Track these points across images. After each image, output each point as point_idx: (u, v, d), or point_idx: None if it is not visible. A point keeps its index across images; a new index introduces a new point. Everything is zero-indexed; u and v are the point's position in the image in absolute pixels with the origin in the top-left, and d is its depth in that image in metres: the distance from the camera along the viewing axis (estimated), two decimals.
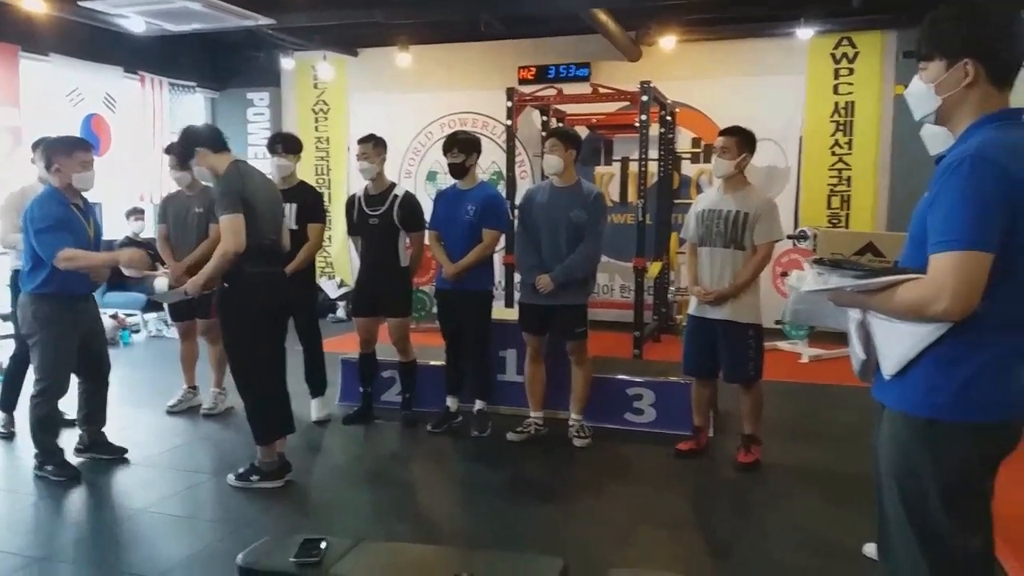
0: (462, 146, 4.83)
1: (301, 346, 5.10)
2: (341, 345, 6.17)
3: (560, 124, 8.32)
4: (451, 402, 5.05)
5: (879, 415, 2.02)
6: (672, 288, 8.42)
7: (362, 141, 4.93)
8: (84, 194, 4.18)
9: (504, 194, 6.78)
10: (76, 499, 3.97)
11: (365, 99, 9.86)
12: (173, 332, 6.54)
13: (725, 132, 4.25)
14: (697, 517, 3.78)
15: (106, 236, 8.46)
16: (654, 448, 4.65)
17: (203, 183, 5.23)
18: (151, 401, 5.55)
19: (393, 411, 5.27)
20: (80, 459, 4.35)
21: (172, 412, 5.35)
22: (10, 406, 4.81)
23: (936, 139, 2.34)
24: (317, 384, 5.18)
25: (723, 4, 7.77)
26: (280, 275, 4.13)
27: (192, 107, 9.72)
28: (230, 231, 3.74)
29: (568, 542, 3.43)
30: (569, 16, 7.98)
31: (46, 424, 4.14)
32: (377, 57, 9.72)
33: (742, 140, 4.21)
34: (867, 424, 2.24)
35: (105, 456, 4.39)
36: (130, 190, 8.67)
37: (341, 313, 9.19)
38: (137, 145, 8.76)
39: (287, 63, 9.53)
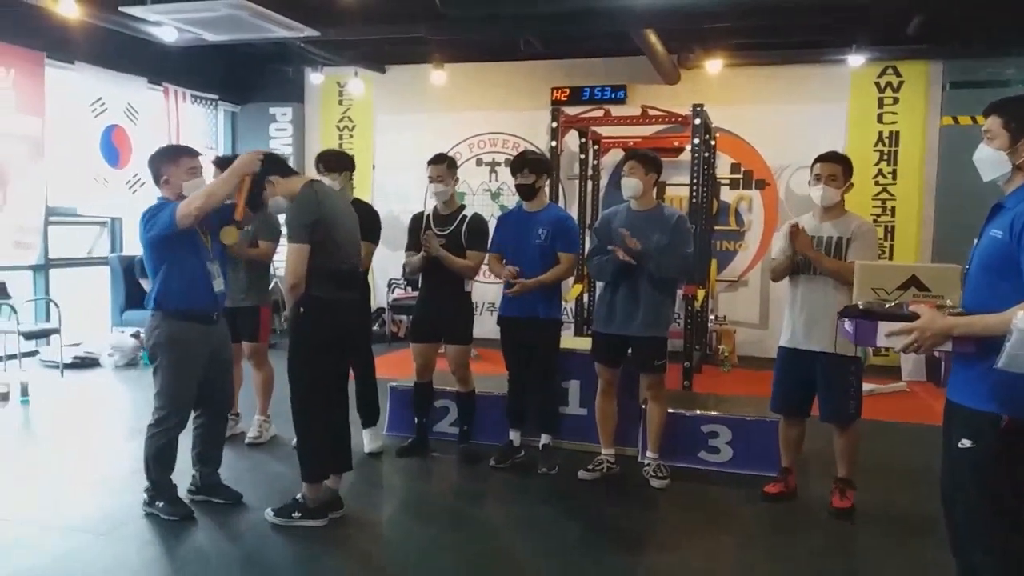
0: (533, 167, 4.58)
1: (354, 373, 4.80)
2: (383, 370, 5.87)
3: (596, 146, 8.13)
4: (514, 436, 4.75)
5: None
6: (712, 317, 8.19)
7: (434, 162, 4.65)
8: None
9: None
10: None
11: (391, 117, 9.65)
12: None
13: (828, 159, 4.00)
14: (810, 573, 3.47)
15: (126, 251, 8.26)
16: (737, 490, 4.37)
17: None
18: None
19: (449, 443, 4.97)
20: (192, 500, 3.98)
21: None
22: None
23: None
24: (370, 414, 4.88)
25: (773, 29, 7.62)
26: (354, 302, 3.88)
27: (211, 120, 9.43)
28: (292, 261, 3.52)
29: None
30: (609, 37, 7.83)
31: (162, 458, 3.80)
32: (405, 74, 9.53)
33: (846, 167, 3.99)
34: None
35: (219, 500, 4.01)
36: (150, 204, 8.34)
37: None
38: None
39: (315, 78, 9.30)
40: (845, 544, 3.77)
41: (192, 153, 3.89)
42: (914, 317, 2.33)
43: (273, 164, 3.75)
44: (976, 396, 2.33)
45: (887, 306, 2.53)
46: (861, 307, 2.55)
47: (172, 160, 3.79)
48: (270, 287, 5.19)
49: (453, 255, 4.59)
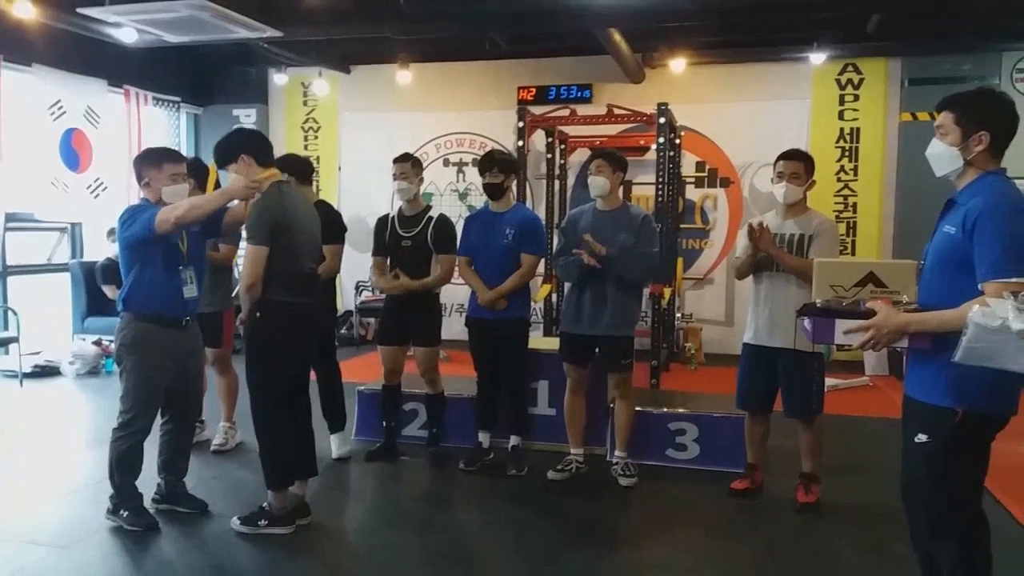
0: (501, 166, 4.57)
1: (317, 378, 4.75)
2: (350, 373, 5.83)
3: (563, 145, 8.14)
4: (484, 438, 4.75)
5: None
6: (679, 315, 8.24)
7: (399, 160, 4.63)
8: None
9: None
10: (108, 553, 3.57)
11: (357, 117, 9.58)
12: None
13: (791, 156, 4.05)
14: (779, 570, 3.49)
15: (87, 257, 8.11)
16: (704, 487, 4.40)
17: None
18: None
19: (418, 447, 4.94)
20: (156, 509, 3.91)
21: None
22: None
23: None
24: (337, 419, 4.84)
25: (736, 27, 7.70)
26: (314, 306, 3.81)
27: (174, 123, 9.30)
28: (250, 262, 3.48)
29: None
30: (574, 35, 7.85)
31: (126, 462, 3.70)
32: (371, 74, 9.47)
33: (808, 165, 4.04)
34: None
35: (184, 509, 3.93)
36: (113, 209, 8.18)
37: None
38: (119, 162, 8.31)
39: (279, 79, 9.21)
40: (810, 538, 3.81)
41: (176, 159, 3.81)
42: (871, 314, 2.37)
43: (252, 141, 3.67)
44: (932, 391, 2.38)
45: (844, 303, 2.56)
46: (819, 305, 2.58)
47: (155, 164, 3.72)
48: (233, 292, 5.11)
49: (421, 255, 4.57)
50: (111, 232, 7.64)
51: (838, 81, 8.31)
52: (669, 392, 6.17)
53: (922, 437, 2.40)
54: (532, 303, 5.09)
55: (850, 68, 8.26)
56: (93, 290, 7.58)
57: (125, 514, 3.71)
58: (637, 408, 4.66)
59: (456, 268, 4.69)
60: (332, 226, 4.63)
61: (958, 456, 2.37)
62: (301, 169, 4.55)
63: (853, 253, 8.24)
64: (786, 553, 3.63)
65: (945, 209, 2.47)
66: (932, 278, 2.44)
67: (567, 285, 4.62)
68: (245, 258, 3.52)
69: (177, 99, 9.27)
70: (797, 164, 4.01)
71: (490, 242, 4.58)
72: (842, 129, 8.32)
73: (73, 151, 7.91)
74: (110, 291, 7.26)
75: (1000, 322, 1.87)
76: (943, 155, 2.44)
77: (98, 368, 7.34)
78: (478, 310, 4.62)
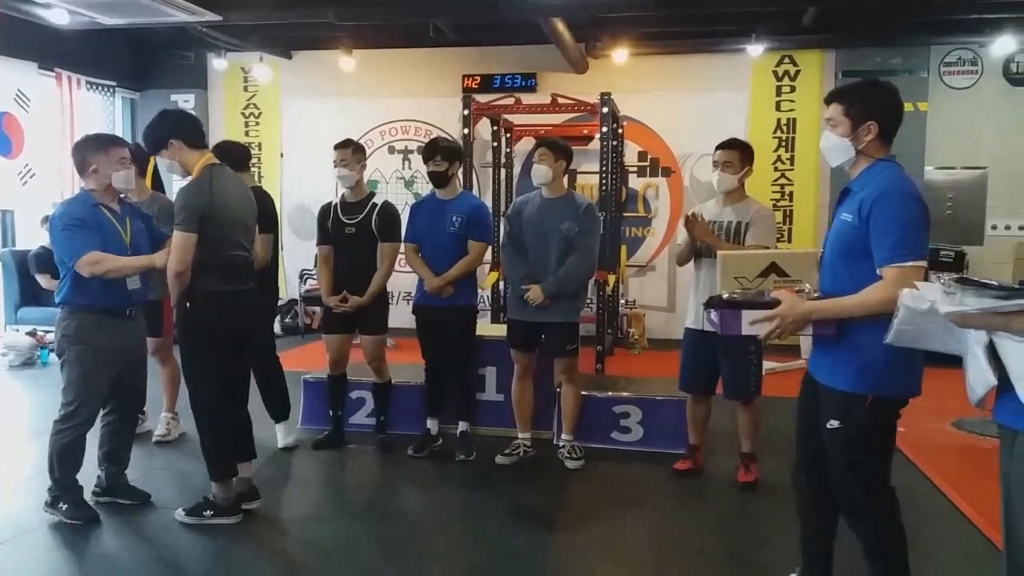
0: (445, 153, 4.58)
1: (253, 368, 4.69)
2: (296, 362, 5.80)
3: (508, 134, 8.17)
4: (432, 424, 4.78)
5: (1007, 440, 1.93)
6: (623, 302, 8.37)
7: (340, 147, 4.59)
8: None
9: None
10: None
11: (299, 103, 9.46)
12: None
13: (727, 146, 4.16)
14: (716, 543, 3.62)
15: (19, 245, 7.86)
16: (648, 468, 4.52)
17: (152, 191, 4.83)
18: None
19: (365, 435, 4.95)
20: (97, 501, 3.84)
21: None
22: None
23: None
24: (280, 409, 4.79)
25: (676, 19, 7.82)
26: (248, 293, 3.75)
27: (108, 108, 9.04)
28: (178, 249, 3.42)
29: None
30: (519, 25, 7.89)
31: (68, 456, 3.61)
32: (313, 60, 9.35)
33: (744, 154, 4.15)
34: None
35: (126, 501, 3.87)
36: (45, 196, 7.95)
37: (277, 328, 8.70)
38: (52, 148, 8.06)
39: (218, 64, 9.02)
40: (751, 515, 3.96)
41: (122, 143, 3.71)
42: (775, 304, 2.45)
43: (181, 125, 3.60)
44: (842, 378, 2.48)
45: (749, 294, 2.64)
46: (724, 298, 2.64)
47: (102, 149, 3.58)
48: None
49: (365, 243, 4.56)
50: (45, 220, 7.42)
51: (775, 73, 8.51)
52: (614, 376, 6.28)
53: (834, 423, 2.49)
54: (479, 290, 5.14)
55: (787, 60, 8.47)
56: (26, 280, 7.36)
57: (64, 507, 3.63)
58: (583, 392, 4.74)
59: (402, 256, 4.70)
60: (263, 212, 4.56)
61: (869, 439, 2.48)
62: (238, 156, 4.50)
63: (790, 241, 8.46)
64: (728, 531, 3.76)
65: (841, 198, 2.56)
66: (832, 266, 2.52)
67: None
68: (172, 244, 3.45)
69: (112, 83, 9.01)
70: (732, 153, 4.12)
71: (437, 230, 4.59)
72: (779, 120, 8.53)
73: (5, 136, 7.65)
74: (44, 280, 7.06)
75: (929, 305, 1.96)
76: (836, 146, 2.50)
77: (33, 359, 7.14)
78: (425, 297, 4.64)
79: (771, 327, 2.44)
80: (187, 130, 3.57)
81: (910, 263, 2.28)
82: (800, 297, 2.46)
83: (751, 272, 2.81)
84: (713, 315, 2.65)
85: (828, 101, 2.54)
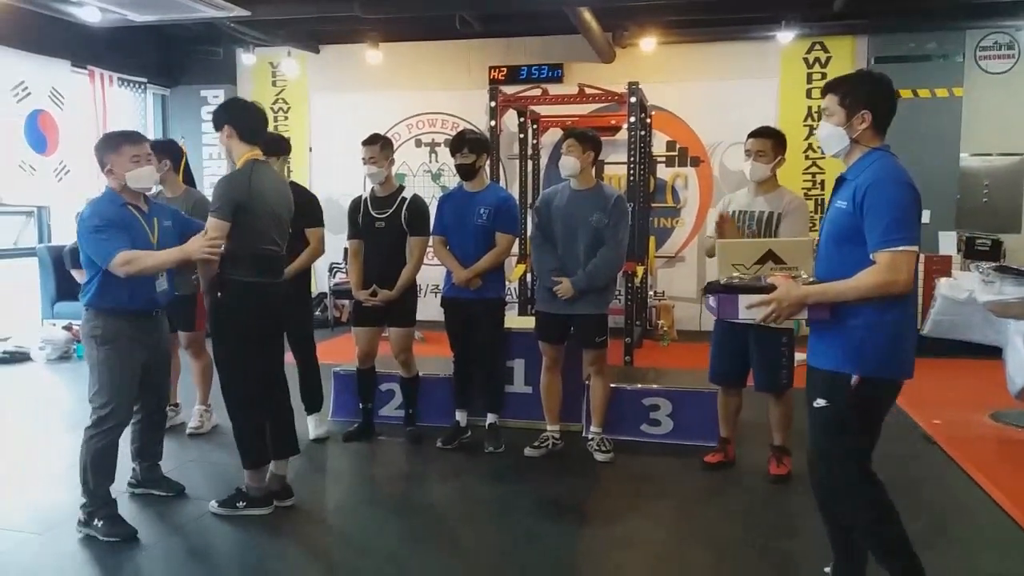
0: (472, 146, 4.57)
1: (295, 360, 4.77)
2: (325, 355, 5.83)
3: (535, 125, 8.15)
4: (460, 416, 4.79)
5: None
6: (652, 293, 8.33)
7: (368, 143, 4.59)
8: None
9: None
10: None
11: (327, 97, 9.52)
12: None
13: (759, 134, 4.11)
14: (746, 536, 3.59)
15: (55, 241, 8.00)
16: (678, 461, 4.49)
17: (185, 186, 4.87)
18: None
19: (395, 427, 4.98)
20: (132, 493, 3.93)
21: None
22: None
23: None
24: (313, 400, 4.86)
25: (703, 6, 7.74)
26: (280, 286, 3.79)
27: (140, 104, 9.16)
28: (211, 230, 3.46)
29: (623, 569, 3.23)
30: (546, 15, 7.85)
31: (101, 464, 3.50)
32: (341, 54, 9.39)
33: (777, 143, 4.10)
34: None
35: (160, 493, 3.93)
36: (80, 192, 8.07)
37: None
38: (86, 144, 8.17)
39: (247, 59, 9.09)
40: (782, 509, 3.91)
41: (135, 140, 3.57)
42: (771, 289, 2.51)
43: (237, 115, 3.63)
44: (829, 358, 2.53)
45: (746, 279, 2.67)
46: (722, 283, 2.70)
47: (113, 149, 3.51)
48: None
49: (395, 237, 4.58)
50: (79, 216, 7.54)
51: (806, 60, 8.39)
52: (643, 368, 6.24)
53: (820, 402, 2.54)
54: (507, 282, 5.13)
55: (817, 47, 8.35)
56: (62, 274, 7.50)
57: (99, 524, 3.50)
58: (612, 384, 4.72)
59: (431, 248, 4.71)
60: (310, 209, 4.64)
61: (853, 419, 2.50)
62: (276, 144, 4.54)
63: None
64: (759, 523, 3.72)
65: (837, 186, 2.61)
66: (828, 252, 2.58)
67: None
68: (207, 229, 3.49)
69: (143, 80, 9.13)
70: (764, 142, 4.07)
71: (465, 222, 4.59)
72: (810, 107, 8.41)
73: (40, 133, 7.79)
74: (79, 275, 7.15)
75: (967, 294, 1.94)
76: (831, 136, 2.57)
77: (69, 353, 7.27)
78: (453, 290, 4.64)
79: (767, 311, 2.51)
80: (241, 121, 3.61)
81: (902, 248, 2.35)
82: (796, 282, 2.52)
83: (748, 259, 2.88)
84: (711, 300, 2.73)
85: (824, 92, 2.62)
